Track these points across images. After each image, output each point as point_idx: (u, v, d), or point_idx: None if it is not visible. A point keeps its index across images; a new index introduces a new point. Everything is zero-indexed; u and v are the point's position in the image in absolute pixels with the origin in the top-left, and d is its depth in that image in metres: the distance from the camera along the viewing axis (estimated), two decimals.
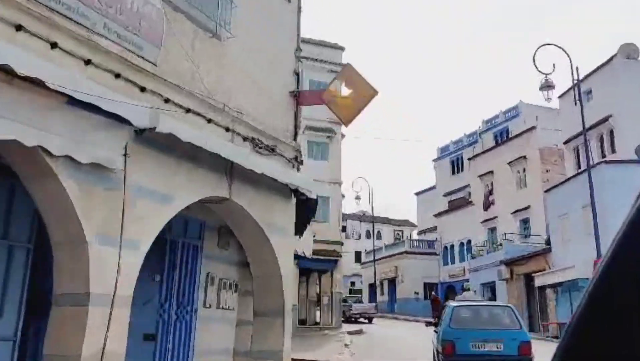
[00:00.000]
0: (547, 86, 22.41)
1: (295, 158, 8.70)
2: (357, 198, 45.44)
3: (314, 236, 30.09)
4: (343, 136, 32.76)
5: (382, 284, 51.83)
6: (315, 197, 8.70)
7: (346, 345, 21.99)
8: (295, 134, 8.68)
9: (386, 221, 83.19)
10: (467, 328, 11.31)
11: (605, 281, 0.89)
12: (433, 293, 42.34)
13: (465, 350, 10.84)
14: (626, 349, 0.85)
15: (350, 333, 27.62)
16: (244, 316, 10.82)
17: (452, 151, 56.43)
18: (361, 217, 76.03)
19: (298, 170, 8.81)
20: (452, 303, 13.32)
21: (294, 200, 8.55)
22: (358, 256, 61.86)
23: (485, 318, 12.00)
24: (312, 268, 29.63)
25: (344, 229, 30.95)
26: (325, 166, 30.94)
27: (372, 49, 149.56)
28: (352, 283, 61.24)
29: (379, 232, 77.35)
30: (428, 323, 15.99)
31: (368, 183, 48.49)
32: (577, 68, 22.83)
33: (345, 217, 79.74)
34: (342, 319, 32.17)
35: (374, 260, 50.33)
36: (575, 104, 22.84)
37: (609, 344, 0.87)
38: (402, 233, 70.61)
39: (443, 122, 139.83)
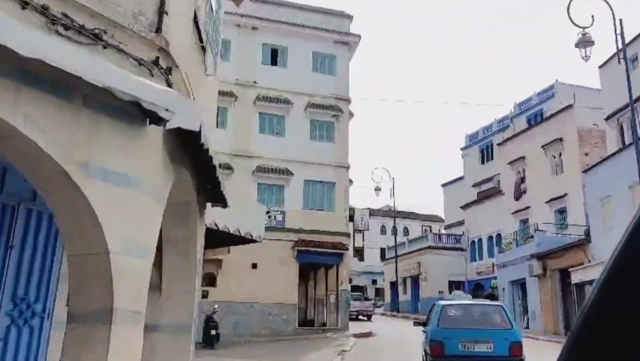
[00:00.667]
0: (585, 42, 18.65)
1: (157, 62, 5.29)
2: (377, 189, 42.40)
3: (270, 216, 26.81)
4: (351, 115, 29.34)
5: (404, 282, 48.21)
6: (194, 128, 5.17)
7: (343, 352, 18.57)
8: (160, 21, 5.23)
9: (413, 216, 79.36)
10: (457, 328, 11.09)
11: (610, 285, 0.91)
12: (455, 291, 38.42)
13: (454, 351, 10.63)
14: (631, 352, 0.86)
15: (357, 335, 24.18)
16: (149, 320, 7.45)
17: (481, 138, 52.46)
18: (386, 212, 72.59)
19: (169, 86, 5.36)
20: (441, 302, 12.89)
21: (155, 131, 5.14)
22: (384, 253, 58.38)
23: (475, 317, 11.74)
24: (314, 262, 26.32)
25: (351, 218, 27.28)
26: (330, 149, 27.62)
27: (389, 36, 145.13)
28: (374, 281, 57.69)
29: (405, 228, 73.75)
30: (417, 323, 15.18)
31: (389, 173, 45.05)
32: (620, 20, 19.05)
33: (370, 213, 76.74)
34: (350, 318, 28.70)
35: (395, 256, 46.84)
36: (620, 62, 19.00)
37: (613, 347, 0.88)
38: (431, 229, 66.71)
39: (472, 110, 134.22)
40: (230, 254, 24.27)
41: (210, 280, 24.99)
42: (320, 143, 28.17)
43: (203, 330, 21.13)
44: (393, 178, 45.04)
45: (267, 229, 25.90)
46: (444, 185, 58.60)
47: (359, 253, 75.34)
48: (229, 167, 26.18)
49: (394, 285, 48.44)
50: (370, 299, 42.34)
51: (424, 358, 11.89)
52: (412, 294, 47.08)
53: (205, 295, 24.16)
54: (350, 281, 30.89)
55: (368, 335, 25.41)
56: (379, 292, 62.09)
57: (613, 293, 0.90)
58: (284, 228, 26.43)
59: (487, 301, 16.03)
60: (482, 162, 51.67)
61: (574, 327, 0.92)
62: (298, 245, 26.06)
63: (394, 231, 46.53)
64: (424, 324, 13.18)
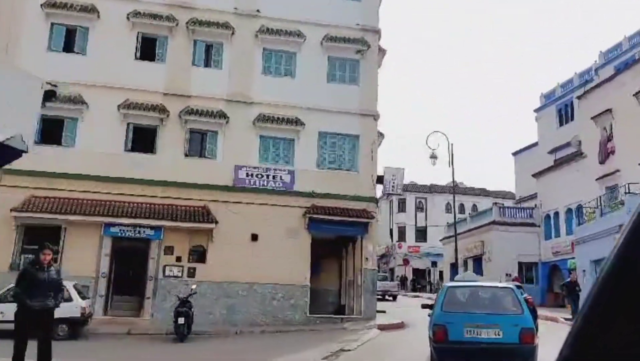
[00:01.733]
0: None
1: None
2: (433, 157, 36.43)
3: (274, 177, 21.39)
4: (382, 51, 23.54)
5: (465, 263, 41.96)
6: None
7: (341, 352, 13.32)
8: None
9: (483, 193, 72.13)
10: (462, 312, 10.30)
11: (612, 281, 0.91)
12: (510, 273, 32.57)
13: (458, 336, 9.82)
14: (633, 349, 0.86)
15: (383, 327, 18.78)
16: None
17: (559, 97, 45.05)
18: (452, 188, 65.82)
19: None
20: (447, 284, 12.80)
21: None
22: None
23: (483, 300, 11.01)
24: (331, 233, 20.99)
25: (379, 180, 21.66)
26: (354, 93, 22.16)
27: None
28: (434, 263, 51.63)
29: (474, 206, 66.78)
30: (425, 306, 13.88)
31: (447, 138, 38.76)
32: None
33: (432, 189, 70.30)
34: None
35: (455, 234, 40.51)
36: None
37: (614, 344, 0.88)
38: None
39: (547, 64, 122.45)
40: (222, 223, 19.45)
41: (198, 255, 20.33)
42: (340, 86, 22.70)
43: (173, 318, 16.40)
44: (451, 144, 38.79)
45: (272, 192, 20.84)
46: (514, 153, 51.47)
47: (421, 232, 69.44)
48: (222, 116, 21.21)
49: (453, 267, 42.26)
50: (421, 286, 43.75)
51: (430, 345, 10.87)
52: None
53: (191, 273, 19.41)
54: (386, 258, 25.27)
55: (398, 326, 19.87)
56: (442, 275, 55.90)
57: (616, 287, 0.90)
58: (292, 192, 21.29)
59: (497, 283, 14.03)
60: (560, 125, 44.49)
61: (575, 322, 0.93)
62: (310, 212, 20.83)
63: (453, 206, 40.18)
64: (431, 307, 11.93)
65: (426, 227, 68.59)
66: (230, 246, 20.47)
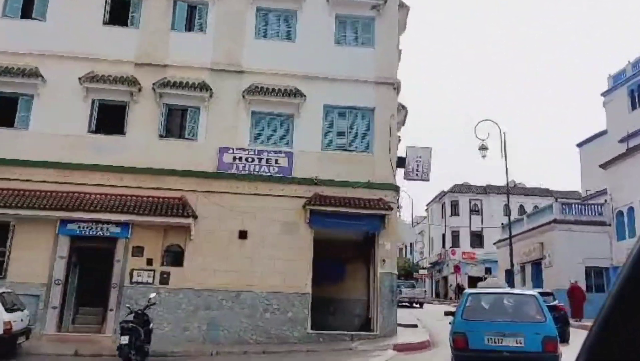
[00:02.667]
0: None
1: None
2: (483, 148, 32.11)
3: (268, 160, 17.55)
4: (404, 7, 19.50)
5: (522, 269, 36.94)
6: None
7: None
8: None
9: (545, 193, 66.14)
10: (483, 320, 10.16)
11: (632, 281, 0.92)
12: (572, 280, 27.91)
13: (479, 345, 9.68)
14: None
15: (401, 347, 14.75)
16: None
17: (630, 76, 39.53)
18: (511, 189, 60.32)
19: None
20: (468, 291, 12.50)
21: None
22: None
23: (505, 308, 10.76)
24: (338, 228, 17.03)
25: (400, 164, 17.48)
26: (368, 57, 18.30)
27: None
28: (488, 270, 46.55)
29: (536, 207, 60.89)
30: (447, 313, 12.86)
31: (499, 127, 34.15)
32: None
33: (488, 189, 64.80)
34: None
35: (510, 236, 35.60)
36: None
37: (632, 347, 0.89)
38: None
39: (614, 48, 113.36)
40: (204, 217, 15.88)
41: (173, 257, 16.82)
42: (351, 50, 18.81)
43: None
44: (504, 133, 34.06)
45: (265, 180, 17.06)
46: (579, 145, 45.91)
47: (477, 237, 64.04)
48: (206, 88, 17.65)
49: (509, 274, 37.22)
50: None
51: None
52: (533, 285, 35.60)
53: (165, 279, 15.90)
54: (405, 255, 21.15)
55: (422, 346, 15.66)
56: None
57: (634, 292, 0.91)
58: (290, 179, 17.51)
59: (519, 291, 13.98)
60: (633, 108, 38.98)
61: (592, 327, 0.94)
62: (312, 203, 16.96)
63: (507, 202, 35.29)
64: (454, 314, 11.24)
65: (482, 231, 63.25)
66: (212, 246, 16.86)
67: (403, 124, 21.03)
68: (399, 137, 20.49)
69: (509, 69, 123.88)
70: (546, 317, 10.00)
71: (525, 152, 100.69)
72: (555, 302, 18.19)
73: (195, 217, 16.92)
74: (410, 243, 73.94)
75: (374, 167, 18.02)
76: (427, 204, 74.33)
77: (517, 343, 9.63)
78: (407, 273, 69.58)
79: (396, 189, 18.17)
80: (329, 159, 17.99)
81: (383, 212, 17.31)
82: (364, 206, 17.28)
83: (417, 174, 18.28)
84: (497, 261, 47.30)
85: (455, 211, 65.84)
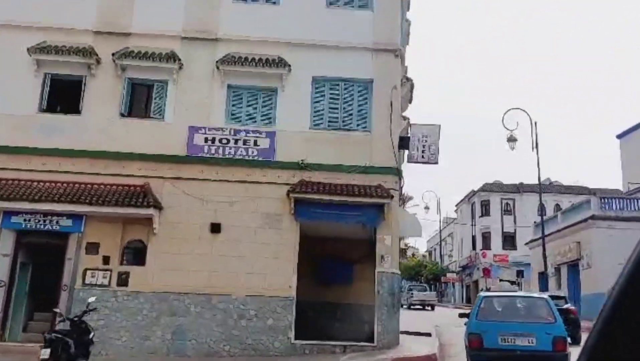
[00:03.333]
0: None
1: None
2: (512, 139, 29.79)
3: (245, 141, 14.99)
4: None
5: (557, 271, 33.63)
6: None
7: None
8: None
9: (583, 191, 62.13)
10: (496, 321, 10.84)
11: (632, 284, 0.94)
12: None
13: (493, 344, 10.31)
14: None
15: None
16: None
17: None
18: (546, 187, 56.68)
19: None
20: (482, 294, 13.09)
21: None
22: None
23: (517, 310, 11.51)
24: (329, 220, 14.48)
25: (403, 144, 14.74)
26: (366, 21, 15.75)
27: None
28: (520, 273, 43.26)
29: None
30: (462, 315, 13.90)
31: (529, 116, 31.26)
32: None
33: (520, 188, 61.09)
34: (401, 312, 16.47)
35: (542, 236, 32.55)
36: None
37: (636, 346, 0.90)
38: None
39: None
40: (170, 208, 13.52)
41: (134, 255, 14.55)
42: (346, 12, 16.23)
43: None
44: (535, 123, 31.09)
45: (243, 164, 14.55)
46: (620, 136, 42.29)
47: (509, 239, 60.39)
48: (175, 59, 15.29)
49: (542, 277, 34.06)
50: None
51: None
52: (569, 288, 32.31)
53: (123, 280, 13.61)
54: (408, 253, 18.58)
55: (427, 360, 12.89)
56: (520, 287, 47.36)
57: (635, 293, 0.92)
58: (273, 163, 15.01)
59: (530, 293, 14.97)
60: None
61: (595, 325, 0.95)
62: (297, 191, 14.41)
63: (540, 197, 32.23)
64: (468, 316, 12.18)
65: (515, 232, 59.64)
66: (180, 242, 14.47)
67: (410, 101, 18.29)
68: (407, 118, 17.76)
69: (539, 55, 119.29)
70: (556, 318, 10.64)
71: (560, 148, 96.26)
72: (567, 305, 18.97)
73: (159, 207, 14.52)
74: (440, 245, 70.64)
75: (372, 149, 15.37)
76: (456, 205, 70.99)
77: (529, 342, 10.23)
78: (435, 277, 66.44)
79: (398, 174, 15.47)
80: (319, 140, 15.42)
81: (382, 201, 14.64)
82: (360, 194, 14.65)
83: (423, 156, 15.54)
84: (530, 264, 43.97)
85: (486, 212, 62.46)
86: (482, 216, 62.31)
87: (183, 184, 14.87)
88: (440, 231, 64.36)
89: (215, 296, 14.24)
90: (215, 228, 14.66)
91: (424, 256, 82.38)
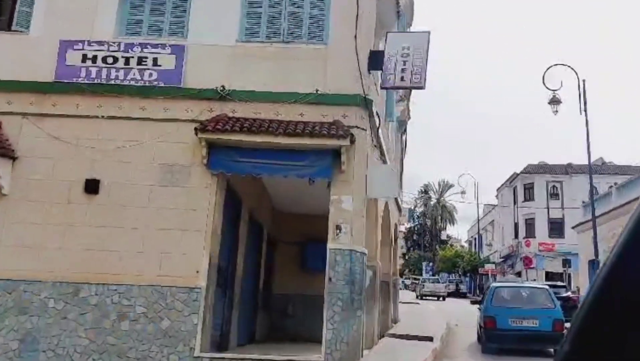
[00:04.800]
0: None
1: None
2: (554, 101, 25.24)
3: (141, 60, 9.76)
4: None
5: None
6: None
7: None
8: None
9: None
10: (507, 306, 13.32)
11: (608, 285, 0.95)
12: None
13: (505, 325, 12.79)
14: (630, 353, 0.89)
15: None
16: None
17: None
18: (598, 168, 50.15)
19: None
20: (493, 284, 15.84)
21: None
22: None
23: (523, 297, 13.87)
24: (258, 173, 9.48)
25: (374, 62, 9.48)
26: None
27: None
28: (567, 263, 37.43)
29: None
30: (473, 302, 18.70)
31: (576, 74, 25.79)
32: None
33: (569, 169, 54.48)
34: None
35: (593, 217, 26.98)
36: None
37: (612, 348, 0.91)
38: None
39: None
40: (28, 158, 8.83)
41: None
42: None
43: None
44: (583, 81, 25.46)
45: (135, 93, 9.57)
46: None
47: (557, 226, 53.97)
48: None
49: (593, 264, 28.33)
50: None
51: (479, 332, 14.34)
52: None
53: None
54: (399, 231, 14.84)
55: None
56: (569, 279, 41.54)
57: (616, 285, 0.93)
58: (179, 90, 10.12)
59: (534, 284, 18.19)
60: None
61: (575, 317, 0.96)
62: (212, 130, 9.52)
63: (589, 174, 26.67)
64: (480, 303, 15.65)
65: (563, 219, 53.31)
66: (40, 207, 9.90)
67: (410, 25, 13.14)
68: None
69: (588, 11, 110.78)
70: (555, 304, 13.32)
71: (613, 123, 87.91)
72: (568, 293, 21.06)
73: (10, 156, 9.94)
74: (479, 235, 64.70)
75: (327, 69, 10.42)
76: (497, 190, 64.87)
77: (533, 324, 12.77)
78: (473, 268, 60.59)
79: (365, 105, 10.39)
80: (250, 58, 10.56)
81: (336, 143, 9.65)
82: (305, 134, 9.68)
83: (403, 79, 10.40)
84: (575, 254, 37.98)
85: (529, 196, 56.34)
86: (525, 200, 56.20)
87: (49, 123, 10.25)
88: (479, 218, 58.41)
89: (85, 285, 9.58)
90: (92, 187, 9.98)
91: (462, 246, 76.49)
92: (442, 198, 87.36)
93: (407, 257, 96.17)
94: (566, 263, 37.21)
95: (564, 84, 25.94)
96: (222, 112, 10.20)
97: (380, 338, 13.88)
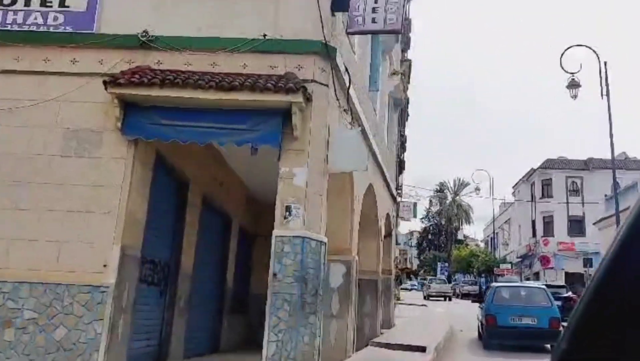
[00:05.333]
0: None
1: None
2: (573, 85, 23.14)
3: None
4: None
5: None
6: None
7: None
8: None
9: None
10: (507, 305, 14.17)
11: (605, 284, 0.96)
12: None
13: (505, 323, 13.57)
14: (628, 351, 0.89)
15: None
16: None
17: None
18: (620, 162, 47.21)
19: None
20: (494, 284, 17.16)
21: None
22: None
23: (522, 297, 14.78)
24: (189, 141, 7.13)
25: (340, 2, 7.20)
26: None
27: None
28: (588, 262, 34.82)
29: None
30: (474, 300, 19.91)
31: (597, 55, 23.44)
32: None
33: (589, 164, 51.55)
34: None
35: (617, 212, 24.84)
36: None
37: (608, 346, 0.91)
38: None
39: None
40: None
41: None
42: None
43: None
44: (604, 63, 22.99)
45: (34, 39, 7.51)
46: None
47: (577, 224, 51.06)
48: None
49: None
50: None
51: (480, 329, 15.13)
52: None
53: None
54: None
55: None
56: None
57: (613, 284, 0.93)
58: (91, 37, 7.87)
59: (532, 284, 19.38)
60: None
61: (572, 316, 0.97)
62: (127, 83, 7.25)
63: (612, 164, 24.16)
64: (481, 301, 16.21)
65: (583, 216, 50.43)
66: None
67: None
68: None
69: None
70: (552, 303, 14.08)
71: (634, 120, 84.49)
72: (568, 294, 21.60)
73: None
74: (495, 233, 61.91)
75: (279, 9, 8.14)
76: (513, 186, 62.05)
77: (531, 321, 13.54)
78: (488, 268, 57.85)
79: (325, 53, 8.09)
80: None
81: (286, 99, 7.43)
82: (244, 87, 7.43)
83: (374, 20, 8.11)
84: (599, 253, 35.22)
85: (547, 193, 53.51)
86: (543, 197, 53.42)
87: None
88: (494, 215, 55.69)
89: None
90: None
91: (477, 245, 73.68)
92: (457, 197, 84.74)
93: (422, 257, 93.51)
94: (587, 262, 34.55)
95: (582, 76, 23.55)
96: (145, 65, 7.99)
97: (363, 347, 11.61)
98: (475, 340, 15.90)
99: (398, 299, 27.68)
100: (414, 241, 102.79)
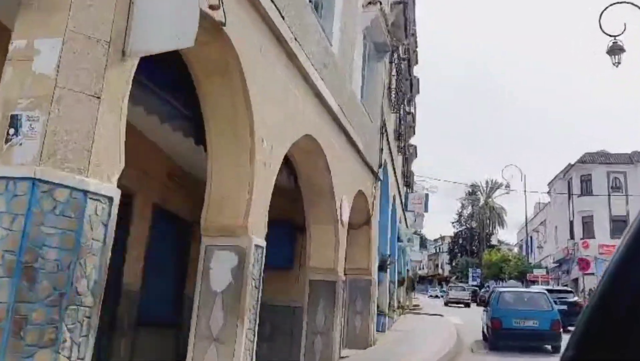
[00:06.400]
0: None
1: None
2: (616, 50, 18.67)
3: None
4: None
5: None
6: None
7: None
8: None
9: None
10: (511, 308, 14.96)
11: (612, 289, 0.94)
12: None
13: (509, 325, 14.38)
14: (635, 357, 0.88)
15: None
16: None
17: None
18: None
19: None
20: (498, 289, 17.86)
21: None
22: None
23: (524, 301, 15.60)
24: None
25: None
26: None
27: None
28: None
29: None
30: (479, 304, 19.97)
31: None
32: None
33: (634, 158, 46.42)
34: None
35: None
36: None
37: (616, 352, 0.90)
38: None
39: None
40: None
41: None
42: None
43: None
44: None
45: None
46: None
47: (620, 224, 45.87)
48: None
49: None
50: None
51: (486, 331, 15.87)
52: None
53: None
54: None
55: None
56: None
57: (620, 288, 0.92)
58: None
59: (534, 289, 19.99)
60: None
61: (579, 321, 0.95)
62: None
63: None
64: (485, 305, 17.22)
65: (627, 215, 45.25)
66: None
67: None
68: None
69: None
70: (552, 307, 15.02)
71: None
72: (575, 298, 23.27)
73: None
74: (529, 236, 56.86)
75: None
76: (548, 184, 56.82)
77: (533, 323, 14.31)
78: (522, 274, 52.92)
79: None
80: None
81: None
82: None
83: None
84: None
85: (587, 190, 48.38)
86: (582, 195, 48.32)
87: None
88: (527, 216, 50.69)
89: None
90: None
91: (509, 250, 68.59)
92: (490, 199, 79.97)
93: (454, 263, 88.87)
94: None
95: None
96: None
97: None
98: (480, 340, 16.43)
99: (403, 308, 23.49)
100: (446, 247, 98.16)
